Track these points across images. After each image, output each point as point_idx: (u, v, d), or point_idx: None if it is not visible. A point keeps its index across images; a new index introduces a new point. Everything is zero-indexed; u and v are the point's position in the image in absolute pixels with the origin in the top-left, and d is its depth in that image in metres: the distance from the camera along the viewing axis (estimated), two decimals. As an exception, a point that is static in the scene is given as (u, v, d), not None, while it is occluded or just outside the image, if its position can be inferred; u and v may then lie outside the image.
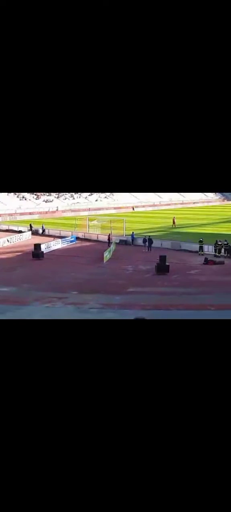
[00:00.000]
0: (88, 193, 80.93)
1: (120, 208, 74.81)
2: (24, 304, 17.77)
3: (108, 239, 33.75)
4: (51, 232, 40.18)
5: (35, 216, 55.30)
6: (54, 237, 37.40)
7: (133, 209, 73.86)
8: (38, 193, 64.86)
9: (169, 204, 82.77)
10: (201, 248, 29.28)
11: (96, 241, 36.56)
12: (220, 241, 29.08)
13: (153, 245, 31.37)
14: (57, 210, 67.05)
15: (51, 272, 24.81)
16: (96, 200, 79.54)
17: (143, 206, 78.49)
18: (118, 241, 34.52)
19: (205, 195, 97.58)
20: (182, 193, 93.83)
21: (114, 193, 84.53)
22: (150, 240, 31.66)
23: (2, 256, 29.33)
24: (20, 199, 65.01)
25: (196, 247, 29.95)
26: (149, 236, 32.73)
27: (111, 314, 16.21)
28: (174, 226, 44.27)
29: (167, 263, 24.03)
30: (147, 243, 31.78)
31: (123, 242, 34.80)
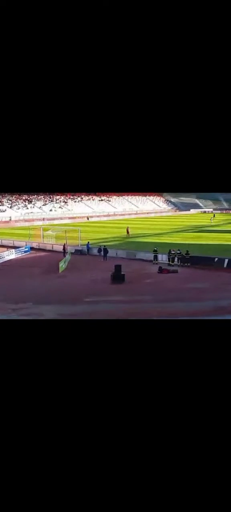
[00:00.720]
0: (42, 203, 79.94)
1: (74, 218, 74.60)
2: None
3: (64, 249, 33.51)
4: (4, 243, 39.24)
5: (-13, 226, 53.73)
6: (8, 247, 36.53)
7: (88, 218, 73.94)
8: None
9: (123, 214, 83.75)
10: (155, 257, 29.85)
11: (51, 251, 36.17)
12: (173, 250, 29.84)
13: (108, 254, 31.55)
14: (10, 220, 65.64)
15: (5, 283, 24.16)
16: (50, 210, 78.75)
17: (98, 216, 78.80)
18: (73, 251, 34.36)
19: (158, 205, 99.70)
20: (135, 204, 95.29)
21: (68, 203, 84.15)
22: (105, 250, 31.81)
23: None
24: None
25: (150, 256, 30.47)
26: (104, 246, 32.88)
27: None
28: (128, 236, 44.81)
29: (122, 272, 24.24)
30: (102, 252, 31.89)
31: (78, 252, 34.68)
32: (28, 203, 77.87)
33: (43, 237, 40.62)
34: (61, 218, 71.99)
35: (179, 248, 30.89)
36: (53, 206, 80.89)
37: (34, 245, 38.13)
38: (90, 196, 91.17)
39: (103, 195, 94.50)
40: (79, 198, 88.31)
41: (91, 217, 76.83)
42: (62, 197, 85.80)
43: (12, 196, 76.29)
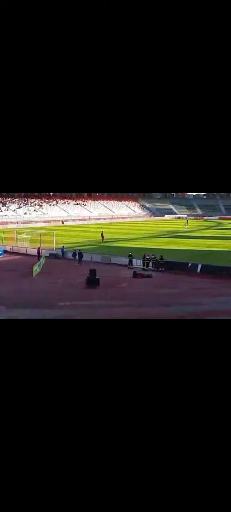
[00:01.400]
0: (17, 206, 78.92)
1: (49, 221, 74.05)
2: None
3: (38, 252, 33.20)
4: (-23, 245, 38.54)
5: None
6: (-20, 250, 35.90)
7: (62, 222, 73.58)
8: None
9: (98, 219, 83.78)
10: (130, 262, 30.05)
11: (25, 254, 35.77)
12: (148, 255, 30.13)
13: (83, 258, 31.50)
14: (-17, 222, 64.51)
15: (-23, 287, 23.73)
16: (25, 213, 77.83)
17: (73, 220, 78.53)
18: (47, 255, 34.11)
19: (133, 210, 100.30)
20: (111, 209, 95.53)
21: (43, 206, 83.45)
22: (80, 254, 31.75)
23: None
24: None
25: (125, 261, 30.65)
26: (79, 250, 32.82)
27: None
28: (102, 240, 44.90)
29: (97, 277, 24.27)
30: (77, 256, 31.82)
31: (52, 256, 34.46)
32: (2, 206, 76.74)
33: (17, 240, 40.13)
34: (36, 222, 71.31)
35: (153, 253, 31.23)
36: (28, 209, 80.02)
37: (8, 248, 37.61)
38: (65, 200, 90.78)
39: (79, 199, 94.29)
40: (54, 202, 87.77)
41: (67, 220, 76.49)
42: (37, 200, 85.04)
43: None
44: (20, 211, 78.18)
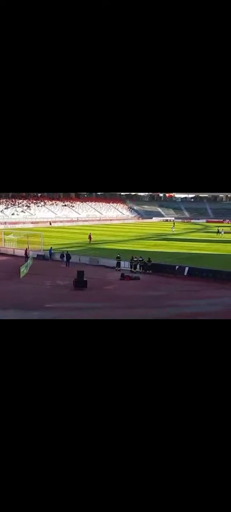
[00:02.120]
0: (4, 207, 78.33)
1: (37, 222, 73.68)
2: None
3: (26, 253, 33.02)
4: None
5: None
6: None
7: (50, 224, 73.26)
8: None
9: (86, 220, 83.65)
10: (118, 264, 30.10)
11: (13, 255, 35.53)
12: (135, 257, 30.22)
13: (71, 260, 31.44)
14: None
15: None
16: (12, 214, 77.29)
17: (61, 222, 78.27)
18: (35, 256, 33.93)
19: (121, 212, 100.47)
20: (99, 210, 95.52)
21: (31, 208, 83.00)
22: (68, 255, 31.69)
23: None
24: None
25: (113, 263, 30.68)
26: (67, 251, 32.75)
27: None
28: (90, 241, 44.87)
29: (85, 278, 24.26)
30: (64, 258, 31.75)
31: (40, 257, 34.29)
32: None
33: (4, 241, 39.82)
34: (23, 223, 70.85)
35: (141, 255, 31.33)
36: (16, 210, 79.49)
37: (-5, 249, 37.31)
38: (53, 201, 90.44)
39: (67, 200, 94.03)
40: (42, 203, 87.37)
41: (54, 222, 76.19)
42: (24, 201, 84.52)
43: None
44: (8, 212, 77.61)
